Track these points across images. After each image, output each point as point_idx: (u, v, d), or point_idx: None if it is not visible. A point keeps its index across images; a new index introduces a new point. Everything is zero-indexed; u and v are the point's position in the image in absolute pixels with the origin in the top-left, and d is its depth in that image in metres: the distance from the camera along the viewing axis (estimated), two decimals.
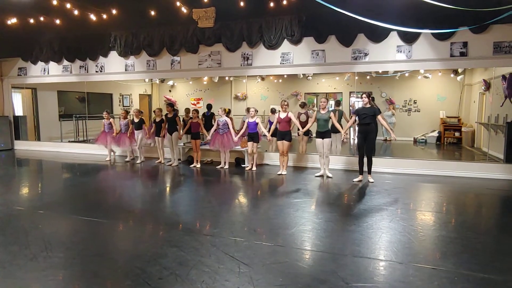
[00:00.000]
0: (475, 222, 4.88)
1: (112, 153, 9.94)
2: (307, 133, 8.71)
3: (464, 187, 6.70)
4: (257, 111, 8.32)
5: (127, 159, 9.68)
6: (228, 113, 10.21)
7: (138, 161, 9.35)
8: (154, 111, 11.53)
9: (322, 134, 7.22)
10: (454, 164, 7.85)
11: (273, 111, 9.90)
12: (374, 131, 6.84)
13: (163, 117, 8.92)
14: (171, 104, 9.03)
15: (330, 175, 7.32)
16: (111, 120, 9.69)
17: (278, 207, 5.29)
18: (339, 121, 8.82)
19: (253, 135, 8.06)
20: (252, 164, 8.23)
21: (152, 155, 10.03)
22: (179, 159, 9.25)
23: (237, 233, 4.15)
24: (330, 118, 7.17)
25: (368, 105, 6.76)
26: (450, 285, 2.98)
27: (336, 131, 7.84)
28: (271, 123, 8.41)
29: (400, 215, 4.90)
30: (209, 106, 10.56)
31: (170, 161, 9.02)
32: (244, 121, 8.73)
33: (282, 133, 7.62)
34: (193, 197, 6.11)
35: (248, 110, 8.59)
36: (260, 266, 3.30)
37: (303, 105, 9.37)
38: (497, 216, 5.35)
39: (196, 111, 8.86)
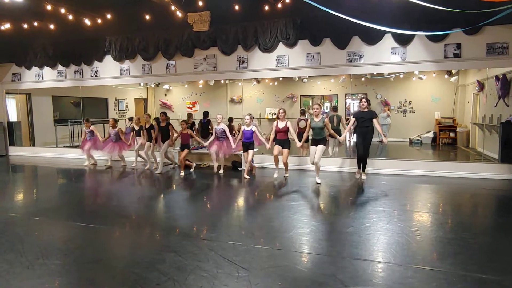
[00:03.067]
0: (472, 222, 4.90)
1: (91, 159, 9.76)
2: (306, 140, 8.67)
3: (460, 188, 6.73)
4: (253, 118, 8.11)
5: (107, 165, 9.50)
6: (230, 121, 10.16)
7: (133, 165, 9.33)
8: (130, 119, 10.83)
9: (316, 142, 7.02)
10: (450, 165, 7.89)
11: (302, 112, 9.39)
12: (371, 133, 7.19)
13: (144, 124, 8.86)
14: (165, 113, 8.77)
15: (318, 181, 7.04)
16: (92, 127, 9.44)
17: (276, 210, 5.28)
18: (337, 126, 8.82)
19: (247, 144, 7.76)
20: (248, 170, 7.83)
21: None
22: (175, 163, 9.22)
23: (235, 237, 4.14)
24: (325, 125, 6.97)
25: (366, 109, 7.13)
26: (448, 286, 2.98)
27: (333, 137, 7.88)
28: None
29: (397, 216, 4.91)
30: (205, 114, 10.54)
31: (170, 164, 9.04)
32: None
33: (281, 141, 7.33)
34: (190, 202, 6.09)
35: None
36: (258, 270, 3.29)
37: (303, 112, 9.31)
38: (493, 216, 5.37)
39: (185, 122, 8.62)
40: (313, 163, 7.10)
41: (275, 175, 7.59)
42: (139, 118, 9.50)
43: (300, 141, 7.37)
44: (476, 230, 4.50)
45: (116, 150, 9.16)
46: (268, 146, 7.48)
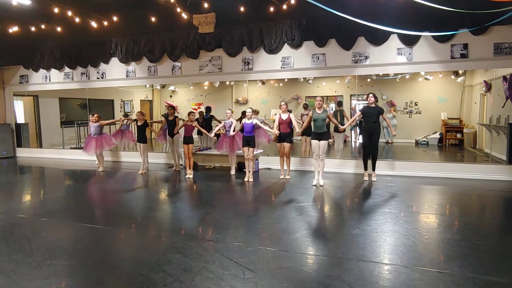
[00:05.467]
0: (479, 224, 4.86)
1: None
2: (309, 133, 8.64)
3: (467, 189, 6.68)
4: (255, 111, 8.07)
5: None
6: (243, 114, 10.01)
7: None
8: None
9: (318, 136, 6.79)
10: (457, 166, 7.83)
11: (305, 106, 9.69)
12: (378, 130, 7.05)
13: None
14: (173, 107, 8.86)
15: (322, 183, 6.81)
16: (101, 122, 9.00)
17: (281, 212, 5.28)
18: (341, 121, 8.80)
19: (248, 139, 7.45)
20: (249, 172, 7.48)
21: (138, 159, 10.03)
22: (181, 164, 9.23)
23: (241, 239, 4.14)
24: (327, 117, 6.82)
25: (374, 105, 7.00)
26: None
27: (338, 130, 8.03)
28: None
29: (404, 218, 4.88)
30: (208, 109, 10.48)
31: (173, 166, 9.03)
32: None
33: (283, 135, 7.37)
34: (196, 203, 6.10)
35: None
36: (264, 272, 3.29)
37: (306, 107, 9.39)
38: (501, 217, 5.32)
39: (192, 113, 8.20)
40: (316, 158, 6.85)
41: (281, 177, 7.60)
42: (141, 112, 8.84)
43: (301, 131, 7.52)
44: (483, 231, 4.46)
45: (97, 147, 8.76)
46: (275, 132, 7.32)
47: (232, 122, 8.13)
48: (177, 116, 8.76)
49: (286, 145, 7.42)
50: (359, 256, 3.62)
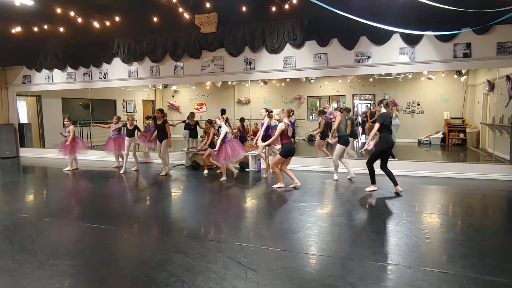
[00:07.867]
0: (482, 224, 4.84)
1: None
2: (324, 137, 8.70)
3: (470, 189, 6.65)
4: (268, 110, 7.91)
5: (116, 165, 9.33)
6: (242, 121, 10.05)
7: (133, 169, 9.02)
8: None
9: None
10: (459, 166, 7.80)
11: (323, 112, 9.48)
12: (380, 139, 6.21)
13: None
14: (161, 110, 8.44)
15: (336, 177, 7.47)
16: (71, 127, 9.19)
17: (284, 212, 5.27)
18: (352, 128, 8.30)
19: (266, 138, 7.63)
20: (267, 169, 8.03)
21: (149, 160, 10.05)
22: (182, 164, 9.24)
23: (243, 239, 4.14)
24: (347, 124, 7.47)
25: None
26: None
27: (353, 136, 8.23)
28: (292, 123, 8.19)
29: (406, 218, 4.87)
30: (223, 111, 10.51)
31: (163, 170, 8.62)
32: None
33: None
34: (198, 203, 6.11)
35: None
36: (267, 272, 3.29)
37: (324, 112, 9.45)
38: (504, 217, 5.30)
39: (210, 122, 8.44)
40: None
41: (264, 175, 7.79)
42: (133, 118, 9.04)
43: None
44: (486, 232, 4.44)
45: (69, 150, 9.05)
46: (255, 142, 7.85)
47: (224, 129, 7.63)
48: (166, 120, 8.38)
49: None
50: (361, 256, 3.61)
